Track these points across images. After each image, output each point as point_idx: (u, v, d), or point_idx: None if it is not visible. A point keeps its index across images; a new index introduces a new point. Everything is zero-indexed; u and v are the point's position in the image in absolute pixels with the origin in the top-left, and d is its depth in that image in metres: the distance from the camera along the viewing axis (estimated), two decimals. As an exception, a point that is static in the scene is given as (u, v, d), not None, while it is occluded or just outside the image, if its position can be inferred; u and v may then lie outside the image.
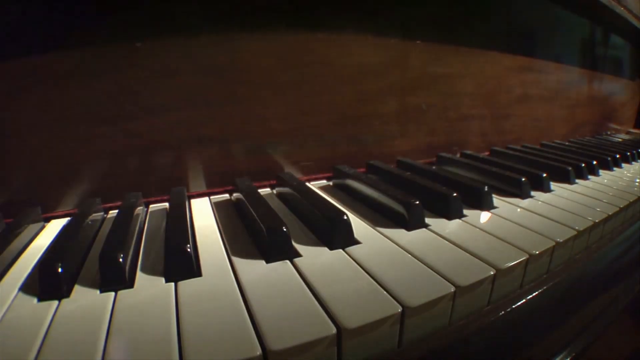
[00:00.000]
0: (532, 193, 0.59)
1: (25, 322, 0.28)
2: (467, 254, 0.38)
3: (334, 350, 0.26)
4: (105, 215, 0.51)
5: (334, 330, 0.26)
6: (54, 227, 0.48)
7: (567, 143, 1.11)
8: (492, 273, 0.34)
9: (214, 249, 0.39)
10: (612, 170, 0.81)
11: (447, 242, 0.41)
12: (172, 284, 0.32)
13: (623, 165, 0.86)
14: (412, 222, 0.45)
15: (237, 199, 0.54)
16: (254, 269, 0.35)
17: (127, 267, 0.33)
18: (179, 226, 0.39)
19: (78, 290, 0.32)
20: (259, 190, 0.54)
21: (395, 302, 0.29)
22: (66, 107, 0.48)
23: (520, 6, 0.91)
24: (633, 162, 0.92)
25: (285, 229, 0.37)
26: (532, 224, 0.46)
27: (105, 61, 0.49)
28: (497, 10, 0.86)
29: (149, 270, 0.35)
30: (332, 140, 0.68)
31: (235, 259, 0.37)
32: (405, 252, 0.38)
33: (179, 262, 0.34)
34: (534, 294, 0.38)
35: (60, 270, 0.31)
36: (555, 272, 0.42)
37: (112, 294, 0.31)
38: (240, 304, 0.29)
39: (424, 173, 0.65)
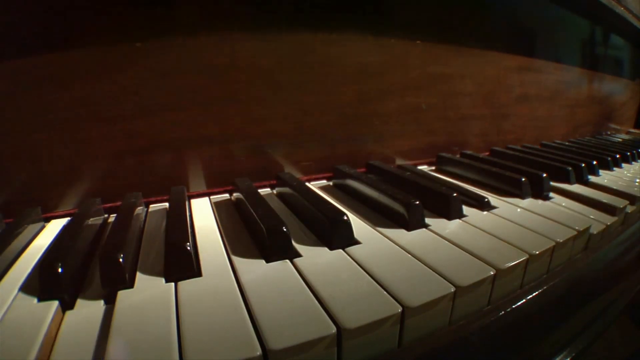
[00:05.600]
0: (532, 193, 0.59)
1: (25, 322, 0.28)
2: (467, 254, 0.38)
3: (334, 350, 0.26)
4: (105, 215, 0.51)
5: (334, 330, 0.26)
6: (54, 227, 0.48)
7: (567, 143, 1.11)
8: (492, 273, 0.34)
9: (214, 249, 0.39)
10: (612, 170, 0.81)
11: (447, 242, 0.41)
12: (172, 284, 0.32)
13: (623, 165, 0.86)
14: (412, 222, 0.45)
15: (237, 199, 0.54)
16: (254, 269, 0.35)
17: (127, 267, 0.33)
18: (178, 226, 0.39)
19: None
20: (259, 190, 0.54)
21: (395, 302, 0.29)
22: (66, 107, 0.48)
23: (520, 6, 0.91)
24: (633, 162, 0.92)
25: (285, 229, 0.37)
26: (532, 224, 0.46)
27: (105, 61, 0.49)
28: (497, 10, 0.86)
29: (149, 270, 0.35)
30: (332, 140, 0.68)
31: (235, 259, 0.37)
32: (405, 252, 0.38)
33: (179, 262, 0.34)
34: (534, 294, 0.38)
35: (60, 270, 0.31)
36: (555, 272, 0.43)
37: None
38: (240, 303, 0.29)
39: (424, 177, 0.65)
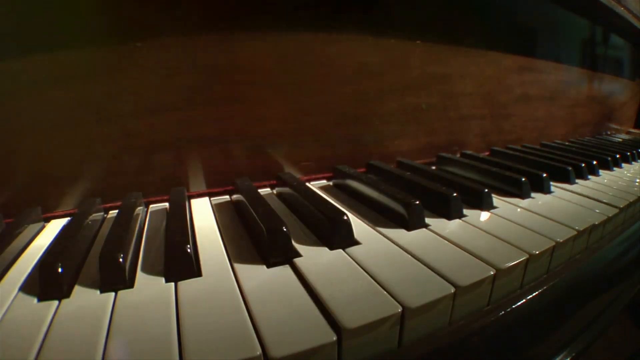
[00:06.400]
0: (532, 193, 0.59)
1: (25, 322, 0.28)
2: (467, 254, 0.38)
3: (334, 351, 0.26)
4: (105, 215, 0.51)
5: (335, 338, 0.26)
6: (54, 227, 0.48)
7: (567, 143, 1.11)
8: (492, 273, 0.34)
9: (214, 249, 0.39)
10: (612, 170, 0.81)
11: (447, 242, 0.41)
12: (172, 284, 0.32)
13: (623, 165, 0.86)
14: (412, 222, 0.45)
15: (237, 199, 0.54)
16: (254, 269, 0.35)
17: (127, 267, 0.33)
18: (179, 226, 0.39)
19: (78, 290, 0.32)
20: (259, 190, 0.54)
21: (395, 303, 0.29)
22: (66, 107, 0.48)
23: (520, 6, 0.91)
24: (633, 162, 0.92)
25: (285, 229, 0.37)
26: (532, 224, 0.46)
27: (105, 61, 0.49)
28: (497, 10, 0.86)
29: (149, 270, 0.35)
30: (332, 140, 0.68)
31: (235, 259, 0.37)
32: (405, 252, 0.38)
33: (179, 262, 0.34)
34: (534, 294, 0.38)
35: (60, 270, 0.31)
36: (555, 272, 0.43)
37: (112, 294, 0.31)
38: (240, 304, 0.29)
39: (425, 174, 0.65)
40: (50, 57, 0.46)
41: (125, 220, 0.41)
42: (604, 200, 0.57)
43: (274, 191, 0.61)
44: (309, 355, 0.25)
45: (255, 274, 0.35)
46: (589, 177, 0.73)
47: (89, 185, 0.52)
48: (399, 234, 0.43)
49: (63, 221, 0.49)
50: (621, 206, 0.55)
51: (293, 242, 0.39)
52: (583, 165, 0.72)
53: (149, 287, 0.32)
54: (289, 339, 0.26)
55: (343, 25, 0.64)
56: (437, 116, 0.81)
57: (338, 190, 0.62)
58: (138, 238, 0.42)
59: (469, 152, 0.86)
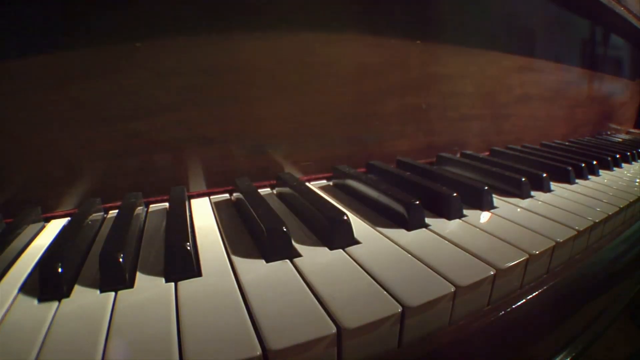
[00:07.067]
0: (532, 193, 0.59)
1: (26, 324, 0.28)
2: (467, 254, 0.38)
3: (334, 350, 0.26)
4: (105, 215, 0.51)
5: (334, 330, 0.26)
6: (54, 227, 0.48)
7: (567, 143, 1.11)
8: (492, 273, 0.34)
9: (214, 249, 0.39)
10: (612, 170, 0.81)
11: (447, 242, 0.41)
12: (172, 284, 0.32)
13: (623, 165, 0.86)
14: (412, 222, 0.45)
15: (237, 199, 0.54)
16: (254, 269, 0.35)
17: (127, 267, 0.33)
18: (179, 226, 0.39)
19: (78, 291, 0.32)
20: (259, 190, 0.54)
21: (395, 302, 0.29)
22: (66, 107, 0.48)
23: (521, 6, 0.91)
24: (633, 162, 0.92)
25: (285, 229, 0.37)
26: (532, 224, 0.46)
27: (105, 61, 0.49)
28: (497, 10, 0.86)
29: (149, 270, 0.35)
30: (332, 140, 0.68)
31: (235, 259, 0.37)
32: (405, 252, 0.38)
33: (179, 262, 0.34)
34: (534, 294, 0.38)
35: (60, 270, 0.31)
36: (555, 272, 0.43)
37: (112, 294, 0.31)
38: (240, 304, 0.29)
39: (425, 173, 0.65)
40: (51, 57, 0.46)
41: (125, 220, 0.41)
42: (604, 200, 0.57)
43: (274, 191, 0.61)
44: (309, 348, 0.25)
45: (255, 268, 0.35)
46: (589, 177, 0.73)
47: (89, 185, 0.52)
48: (399, 234, 0.43)
49: (63, 221, 0.49)
50: (621, 206, 0.55)
51: (293, 242, 0.39)
52: (583, 165, 0.72)
53: (149, 287, 0.32)
54: (288, 331, 0.26)
55: (343, 25, 0.64)
56: (437, 116, 0.81)
57: (338, 190, 0.62)
58: (138, 238, 0.42)
59: (469, 152, 0.86)
